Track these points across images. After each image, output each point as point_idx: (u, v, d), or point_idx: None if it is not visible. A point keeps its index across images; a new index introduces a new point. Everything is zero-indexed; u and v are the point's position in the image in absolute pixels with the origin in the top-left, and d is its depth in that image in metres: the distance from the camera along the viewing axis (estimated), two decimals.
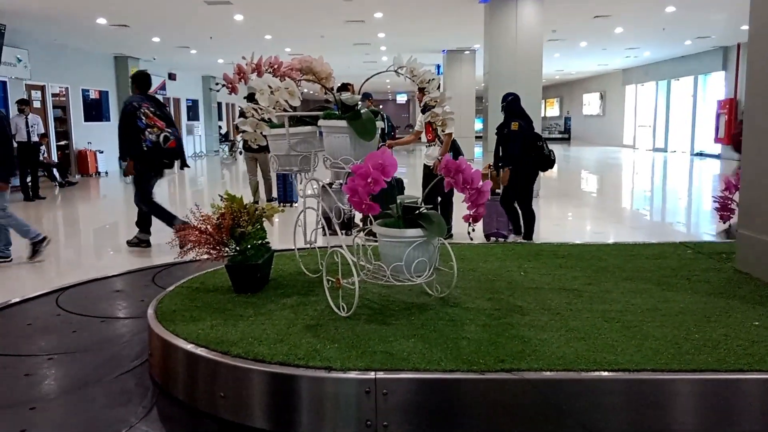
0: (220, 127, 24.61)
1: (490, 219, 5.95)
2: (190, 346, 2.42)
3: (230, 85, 3.22)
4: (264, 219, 3.25)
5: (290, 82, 2.83)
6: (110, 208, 10.97)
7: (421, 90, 3.07)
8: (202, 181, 15.43)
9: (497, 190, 5.92)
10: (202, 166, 19.56)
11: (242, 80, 3.23)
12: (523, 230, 5.76)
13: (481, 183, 2.79)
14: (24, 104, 11.32)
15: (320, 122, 2.95)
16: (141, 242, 6.47)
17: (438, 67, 19.69)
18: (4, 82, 12.74)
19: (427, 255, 2.70)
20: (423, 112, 6.91)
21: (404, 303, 2.89)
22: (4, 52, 11.65)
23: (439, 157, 6.52)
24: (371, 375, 2.15)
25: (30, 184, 11.07)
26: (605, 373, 2.16)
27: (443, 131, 4.90)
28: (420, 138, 6.35)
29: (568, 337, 2.45)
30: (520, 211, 5.84)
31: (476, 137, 17.25)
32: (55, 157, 13.83)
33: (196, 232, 2.99)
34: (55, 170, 13.10)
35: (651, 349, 2.32)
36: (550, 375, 2.15)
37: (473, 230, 2.82)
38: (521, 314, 2.74)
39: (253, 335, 2.48)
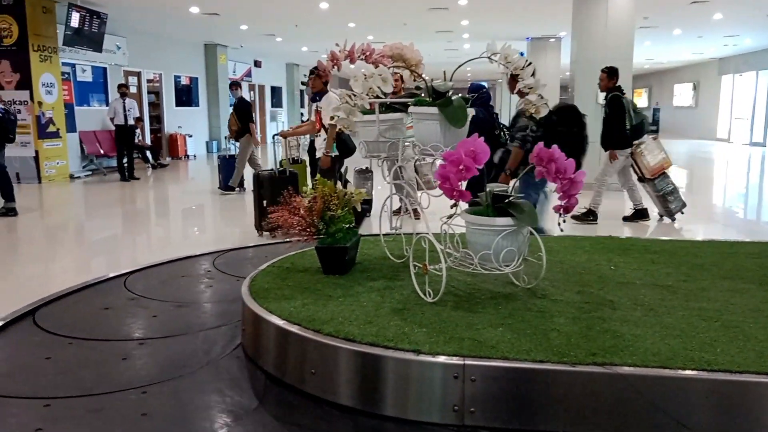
0: (302, 114, 25.10)
1: None
2: (283, 323, 2.51)
3: (324, 72, 3.30)
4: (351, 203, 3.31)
5: (384, 69, 2.86)
6: (197, 190, 11.43)
7: (514, 77, 3.03)
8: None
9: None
10: (278, 152, 20.03)
11: (336, 67, 3.30)
12: None
13: (575, 173, 2.74)
14: (123, 89, 11.94)
15: (411, 109, 2.97)
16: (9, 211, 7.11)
17: (521, 55, 19.27)
18: (105, 68, 13.49)
19: (516, 244, 2.68)
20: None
21: (490, 292, 2.88)
22: (105, 40, 12.32)
23: (325, 151, 6.21)
24: (460, 361, 2.16)
25: (126, 165, 11.69)
26: (704, 373, 2.08)
27: (536, 119, 4.77)
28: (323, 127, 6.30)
29: (663, 333, 2.37)
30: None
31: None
32: (148, 140, 14.54)
33: (290, 214, 3.08)
34: (148, 152, 13.77)
35: (754, 351, 2.22)
36: (644, 371, 2.10)
37: (564, 221, 2.77)
38: (612, 309, 2.67)
39: (343, 315, 2.54)
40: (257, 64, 21.41)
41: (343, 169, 6.76)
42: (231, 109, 10.22)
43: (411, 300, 2.74)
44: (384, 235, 3.62)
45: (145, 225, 8.08)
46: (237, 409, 2.38)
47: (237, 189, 9.76)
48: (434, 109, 2.81)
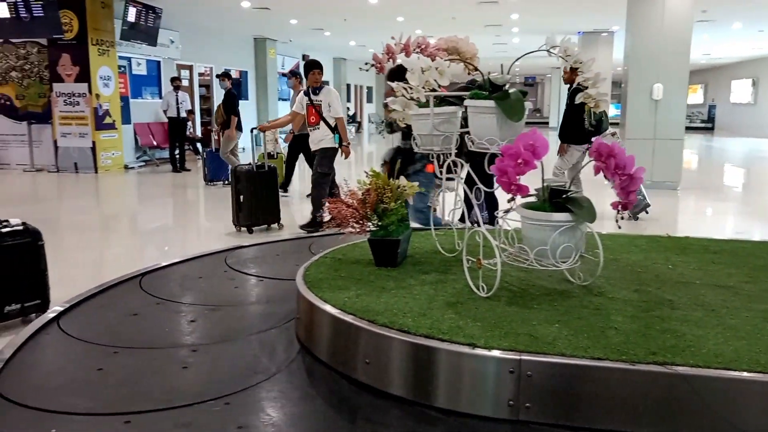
0: (348, 109, 25.22)
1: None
2: (338, 313, 2.54)
3: (379, 65, 3.30)
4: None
5: (441, 62, 2.86)
6: None
7: (573, 70, 2.98)
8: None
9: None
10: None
11: (390, 60, 3.30)
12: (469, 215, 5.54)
13: (634, 168, 2.68)
14: (177, 82, 12.23)
15: (467, 102, 2.95)
16: None
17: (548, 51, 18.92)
18: (159, 62, 13.83)
19: (574, 240, 2.64)
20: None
21: (545, 288, 2.85)
22: (159, 34, 12.63)
23: (346, 142, 6.43)
24: (516, 356, 2.15)
25: (178, 156, 11.97)
26: None
27: (596, 112, 4.75)
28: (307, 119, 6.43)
29: (726, 335, 2.31)
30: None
31: (611, 124, 16.45)
32: (199, 132, 14.84)
33: (344, 206, 3.11)
34: (198, 144, 14.07)
35: None
36: (707, 372, 2.05)
37: (622, 218, 2.71)
38: (671, 308, 2.61)
39: (397, 307, 2.55)
40: (305, 58, 21.59)
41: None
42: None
43: (464, 294, 2.74)
44: (435, 229, 3.62)
45: (194, 215, 8.27)
46: (262, 371, 2.54)
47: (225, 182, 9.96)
48: (491, 103, 2.79)
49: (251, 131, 7.37)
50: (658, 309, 2.59)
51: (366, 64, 3.34)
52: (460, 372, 2.27)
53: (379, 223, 3.17)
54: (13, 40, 11.40)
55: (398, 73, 6.50)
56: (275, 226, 6.63)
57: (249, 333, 3.05)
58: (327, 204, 3.22)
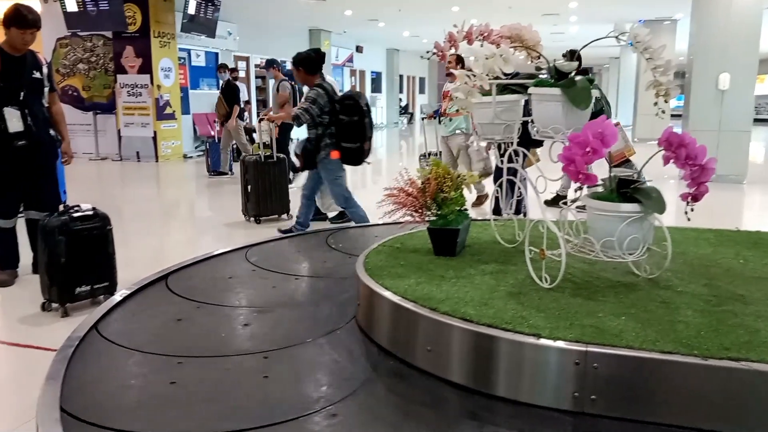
0: (400, 99, 25.23)
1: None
2: (399, 300, 2.55)
3: (441, 53, 3.29)
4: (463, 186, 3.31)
5: (505, 49, 2.82)
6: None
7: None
8: (382, 152, 15.96)
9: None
10: (382, 137, 20.23)
11: (453, 48, 3.28)
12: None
13: (706, 159, 2.59)
14: (234, 73, 12.47)
15: (531, 89, 2.91)
16: None
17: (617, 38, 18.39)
18: (217, 54, 14.13)
19: (642, 232, 2.57)
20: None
21: (609, 280, 2.79)
22: (218, 26, 12.89)
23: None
24: (582, 347, 2.11)
25: (235, 146, 12.20)
26: None
27: (666, 101, 4.66)
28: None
29: None
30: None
31: (672, 115, 15.94)
32: (255, 123, 15.11)
33: (404, 195, 3.11)
34: (255, 134, 14.32)
35: None
36: None
37: (692, 210, 2.63)
38: (744, 303, 2.51)
39: (458, 296, 2.54)
40: (359, 49, 21.69)
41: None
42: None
43: (526, 285, 2.70)
44: (494, 219, 3.59)
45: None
46: (351, 377, 2.45)
47: (229, 173, 10.04)
48: (557, 90, 2.74)
49: (259, 121, 7.47)
50: (730, 304, 2.50)
51: (427, 52, 3.33)
52: (523, 362, 2.25)
53: (439, 212, 3.16)
54: (81, 34, 11.83)
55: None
56: (285, 216, 6.69)
57: (316, 335, 2.85)
58: (387, 193, 3.22)
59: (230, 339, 3.00)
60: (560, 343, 2.16)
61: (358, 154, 5.41)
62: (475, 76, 2.80)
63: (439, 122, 7.91)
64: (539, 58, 3.35)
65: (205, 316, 3.12)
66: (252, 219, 6.50)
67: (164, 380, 2.44)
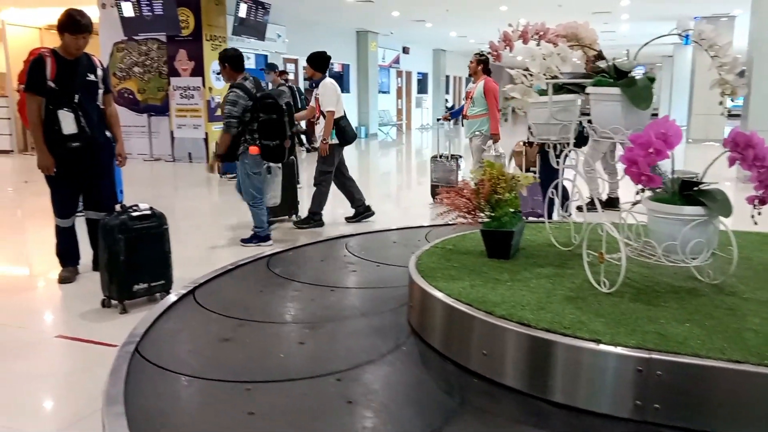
0: (446, 100, 25.11)
1: (524, 199, 5.68)
2: (454, 303, 2.52)
3: (496, 53, 3.25)
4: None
5: (563, 48, 2.77)
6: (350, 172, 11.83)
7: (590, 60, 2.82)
8: (426, 153, 15.91)
9: (532, 168, 5.56)
10: (426, 138, 20.17)
11: (508, 47, 3.24)
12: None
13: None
14: (282, 73, 12.63)
15: (589, 89, 2.85)
16: None
17: (686, 36, 17.86)
18: (266, 56, 14.33)
19: (706, 236, 2.48)
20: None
21: (670, 285, 2.70)
22: (267, 29, 13.08)
23: (323, 139, 6.18)
24: (645, 354, 2.05)
25: None
26: None
27: (732, 100, 4.55)
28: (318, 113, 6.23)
29: None
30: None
31: (730, 115, 15.39)
32: (303, 125, 15.25)
33: (457, 196, 3.09)
34: (303, 136, 14.46)
35: None
36: None
37: (759, 213, 2.52)
38: None
39: (514, 300, 2.51)
40: (405, 50, 21.70)
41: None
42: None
43: (584, 289, 2.64)
44: (549, 221, 3.53)
45: (307, 201, 8.51)
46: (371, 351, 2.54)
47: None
48: (616, 90, 2.67)
49: None
50: None
51: (482, 51, 3.29)
52: (582, 368, 2.20)
53: (492, 214, 3.12)
54: (136, 38, 12.17)
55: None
56: (294, 217, 6.71)
57: (362, 314, 3.16)
58: (443, 196, 3.19)
59: (291, 310, 3.27)
60: (621, 350, 2.10)
61: (278, 151, 5.47)
62: (532, 75, 2.76)
63: (462, 124, 7.85)
64: (596, 57, 3.28)
65: (251, 334, 2.99)
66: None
67: (221, 336, 2.80)
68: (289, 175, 6.72)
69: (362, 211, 6.60)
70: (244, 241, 5.69)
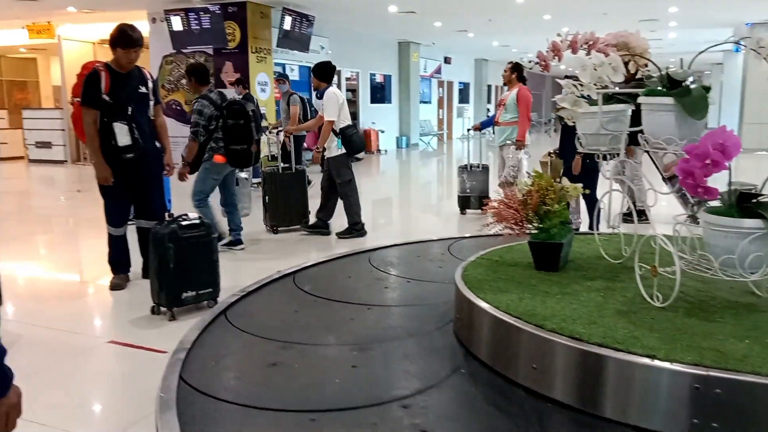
0: (488, 110, 24.97)
1: None
2: (503, 315, 2.50)
3: (544, 63, 3.22)
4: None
5: (615, 57, 2.72)
6: (389, 183, 11.86)
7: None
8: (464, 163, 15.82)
9: (556, 179, 5.44)
10: (465, 148, 20.06)
11: (556, 57, 3.20)
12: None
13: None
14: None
15: (641, 99, 2.79)
16: None
17: (738, 44, 17.36)
18: (309, 67, 14.52)
19: (766, 249, 2.40)
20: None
21: (726, 300, 2.62)
22: (311, 41, 13.24)
23: (317, 147, 6.09)
24: (703, 371, 1.99)
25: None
26: None
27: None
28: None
29: None
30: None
31: None
32: None
33: (503, 207, 3.06)
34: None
35: None
36: None
37: None
38: None
39: (564, 313, 2.47)
40: (447, 60, 21.67)
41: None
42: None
43: (636, 303, 2.59)
44: (598, 233, 3.47)
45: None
46: (429, 378, 2.48)
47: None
48: (670, 99, 2.61)
49: (276, 134, 7.50)
50: None
51: (529, 62, 3.27)
52: (635, 384, 2.15)
53: (541, 225, 3.08)
54: (184, 51, 12.47)
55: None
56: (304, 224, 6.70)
57: (409, 335, 3.05)
58: (493, 203, 3.17)
59: (332, 330, 3.17)
60: (677, 366, 2.04)
61: (245, 156, 5.67)
62: (582, 85, 2.72)
63: (493, 132, 7.76)
64: (646, 66, 3.22)
65: (298, 358, 2.85)
66: (270, 229, 6.62)
67: (268, 361, 2.72)
68: (299, 184, 6.77)
69: (320, 225, 6.52)
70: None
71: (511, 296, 2.69)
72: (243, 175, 5.16)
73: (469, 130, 8.89)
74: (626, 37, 3.19)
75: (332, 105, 6.18)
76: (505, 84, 7.28)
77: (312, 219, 6.60)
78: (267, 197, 6.65)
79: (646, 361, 2.08)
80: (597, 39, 3.12)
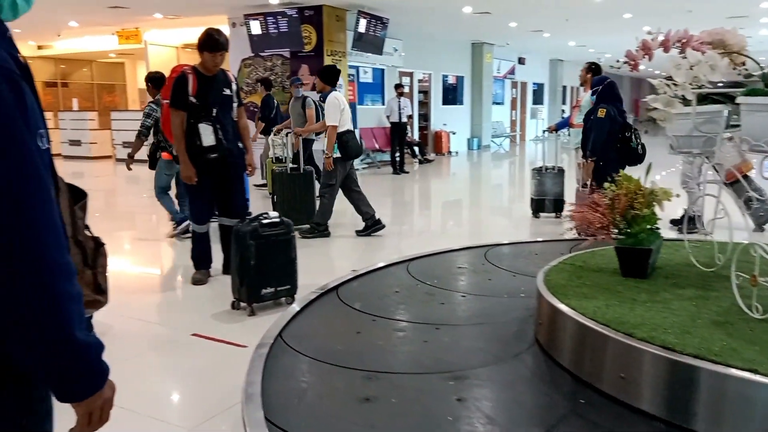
0: (563, 111, 24.41)
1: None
2: (589, 322, 2.43)
3: (633, 62, 3.11)
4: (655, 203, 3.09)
5: (713, 55, 2.60)
6: (460, 185, 11.78)
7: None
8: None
9: (587, 182, 5.35)
10: (539, 149, 19.65)
11: (646, 57, 3.09)
12: None
13: None
14: (399, 88, 12.81)
15: (740, 99, 2.65)
16: None
17: None
18: (383, 70, 14.61)
19: None
20: None
21: None
22: (384, 43, 13.32)
23: (326, 153, 6.10)
24: None
25: (398, 159, 12.53)
26: None
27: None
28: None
29: None
30: None
31: None
32: (416, 137, 15.40)
33: (589, 211, 2.98)
34: (416, 148, 14.59)
35: None
36: None
37: None
38: None
39: (654, 322, 2.37)
40: (521, 61, 21.33)
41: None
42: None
43: (732, 313, 2.45)
44: (688, 240, 3.32)
45: (417, 213, 8.56)
46: (546, 406, 2.40)
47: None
48: None
49: (285, 135, 7.51)
50: None
51: (618, 61, 3.16)
52: (733, 399, 2.04)
53: (628, 230, 2.98)
54: (262, 54, 12.80)
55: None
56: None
57: (489, 320, 3.21)
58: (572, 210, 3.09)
59: (423, 311, 3.38)
60: None
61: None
62: (676, 85, 2.61)
63: (568, 134, 7.52)
64: (744, 64, 3.06)
65: (418, 292, 3.26)
66: None
67: (354, 329, 2.98)
68: (306, 184, 6.83)
69: (371, 225, 6.54)
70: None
71: (597, 302, 2.61)
72: None
73: (544, 131, 8.71)
74: (722, 34, 3.04)
75: (334, 110, 6.26)
76: (581, 84, 7.10)
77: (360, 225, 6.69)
78: (276, 197, 6.86)
79: (747, 375, 1.97)
80: (691, 37, 2.98)
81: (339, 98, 6.39)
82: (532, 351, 2.76)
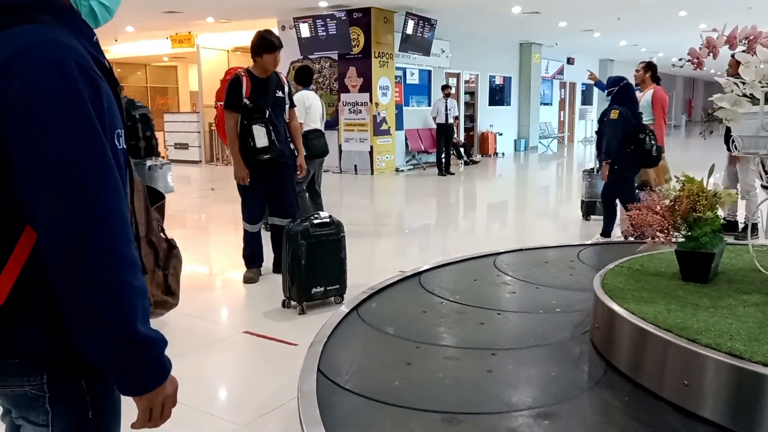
0: None
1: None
2: (651, 327, 2.35)
3: (696, 60, 3.02)
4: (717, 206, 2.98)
5: None
6: (506, 186, 11.66)
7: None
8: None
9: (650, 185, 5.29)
10: (587, 150, 19.29)
11: (711, 54, 2.99)
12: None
13: None
14: (446, 89, 12.77)
15: None
16: None
17: None
18: (429, 71, 14.58)
19: None
20: None
21: None
22: (432, 45, 13.29)
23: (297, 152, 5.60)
24: None
25: (444, 160, 12.48)
26: None
27: None
28: None
29: None
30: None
31: None
32: (462, 138, 15.31)
33: (649, 214, 2.90)
34: (462, 149, 14.51)
35: None
36: None
37: None
38: None
39: (719, 328, 2.28)
40: (570, 61, 20.99)
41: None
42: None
43: None
44: (753, 244, 3.19)
45: (462, 215, 8.51)
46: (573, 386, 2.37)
47: None
48: None
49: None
50: None
51: (680, 60, 3.07)
52: None
53: (690, 233, 2.88)
54: (311, 56, 12.94)
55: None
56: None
57: (545, 341, 2.94)
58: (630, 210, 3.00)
59: (464, 333, 3.11)
60: None
61: (134, 150, 5.72)
62: (744, 83, 2.52)
63: None
64: None
65: (446, 311, 3.24)
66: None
67: (402, 360, 2.65)
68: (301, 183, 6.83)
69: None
70: None
71: (657, 307, 2.53)
72: (149, 163, 5.36)
73: (596, 132, 8.53)
74: None
75: (299, 108, 6.13)
76: (636, 85, 6.93)
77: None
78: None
79: None
80: (759, 33, 2.88)
81: (306, 95, 6.44)
82: (608, 377, 2.52)
